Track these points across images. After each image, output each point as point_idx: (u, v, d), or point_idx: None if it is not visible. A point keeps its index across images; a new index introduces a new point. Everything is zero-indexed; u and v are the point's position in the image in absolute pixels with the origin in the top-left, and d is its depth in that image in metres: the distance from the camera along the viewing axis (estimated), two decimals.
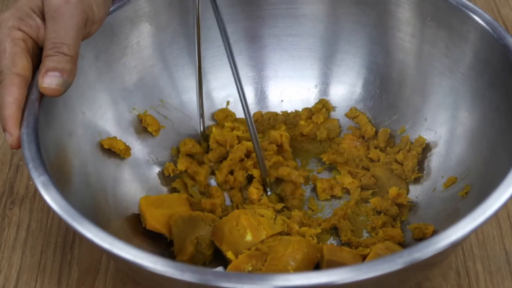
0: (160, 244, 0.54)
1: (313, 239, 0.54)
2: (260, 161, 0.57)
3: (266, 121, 0.64)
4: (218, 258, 0.54)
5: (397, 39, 0.60)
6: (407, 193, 0.58)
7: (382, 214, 0.57)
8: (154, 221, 0.53)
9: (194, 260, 0.53)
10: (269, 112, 0.64)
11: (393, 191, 0.57)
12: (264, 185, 0.59)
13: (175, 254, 0.53)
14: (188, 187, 0.60)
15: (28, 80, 0.48)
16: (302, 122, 0.63)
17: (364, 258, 0.52)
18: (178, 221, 0.53)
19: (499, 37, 0.52)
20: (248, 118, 0.55)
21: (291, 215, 0.56)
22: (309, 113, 0.64)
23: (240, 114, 0.64)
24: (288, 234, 0.54)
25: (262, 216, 0.53)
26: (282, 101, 0.65)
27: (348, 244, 0.55)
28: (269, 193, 0.59)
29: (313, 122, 0.63)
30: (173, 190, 0.59)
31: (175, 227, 0.53)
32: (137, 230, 0.55)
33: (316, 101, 0.64)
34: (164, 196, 0.56)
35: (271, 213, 0.54)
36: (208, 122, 0.63)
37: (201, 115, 0.61)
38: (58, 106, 0.51)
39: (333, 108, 0.64)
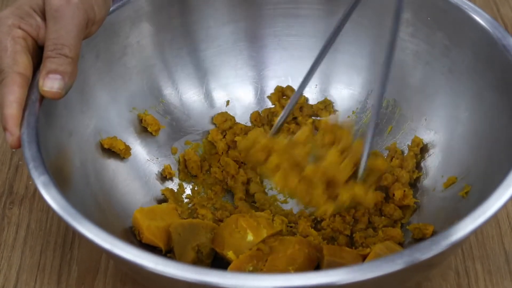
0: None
1: (314, 239, 0.54)
2: None
3: (265, 119, 0.64)
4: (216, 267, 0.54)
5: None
6: (413, 194, 0.58)
7: (383, 217, 0.57)
8: (151, 234, 0.53)
9: None
10: (266, 109, 0.64)
11: (398, 194, 0.56)
12: None
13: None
14: (178, 193, 0.59)
15: (28, 79, 0.48)
16: (300, 119, 0.63)
17: (364, 258, 0.52)
18: (178, 228, 0.53)
19: (499, 37, 0.52)
20: None
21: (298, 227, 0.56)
22: (310, 110, 0.64)
23: (240, 116, 0.64)
24: (293, 233, 0.54)
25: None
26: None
27: (350, 244, 0.55)
28: None
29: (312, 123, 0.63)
30: (163, 198, 0.59)
31: (175, 234, 0.52)
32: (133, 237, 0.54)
33: (317, 100, 0.64)
34: (155, 207, 0.56)
35: (267, 215, 0.54)
36: (209, 125, 0.63)
37: None
38: (58, 106, 0.51)
39: (334, 112, 0.64)
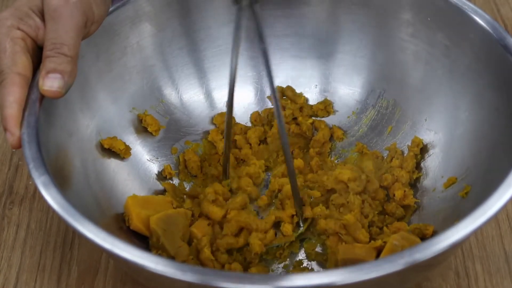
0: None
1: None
2: (294, 190, 0.54)
3: (265, 119, 0.64)
4: None
5: (397, 39, 0.60)
6: (413, 195, 0.58)
7: (386, 216, 0.57)
8: (139, 221, 0.53)
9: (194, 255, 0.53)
10: (266, 109, 0.64)
11: (398, 194, 0.56)
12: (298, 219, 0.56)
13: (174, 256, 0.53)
14: (177, 189, 0.59)
15: (28, 80, 0.48)
16: (300, 119, 0.63)
17: (378, 250, 0.51)
18: (160, 224, 0.52)
19: (499, 38, 0.52)
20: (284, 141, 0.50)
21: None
22: (310, 110, 0.64)
23: (240, 116, 0.64)
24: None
25: None
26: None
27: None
28: (301, 227, 0.56)
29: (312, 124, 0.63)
30: (163, 191, 0.59)
31: (160, 230, 0.52)
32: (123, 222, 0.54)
33: (317, 101, 0.64)
34: (150, 197, 0.56)
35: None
36: (209, 126, 0.63)
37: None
38: (58, 106, 0.51)
39: (334, 112, 0.64)
